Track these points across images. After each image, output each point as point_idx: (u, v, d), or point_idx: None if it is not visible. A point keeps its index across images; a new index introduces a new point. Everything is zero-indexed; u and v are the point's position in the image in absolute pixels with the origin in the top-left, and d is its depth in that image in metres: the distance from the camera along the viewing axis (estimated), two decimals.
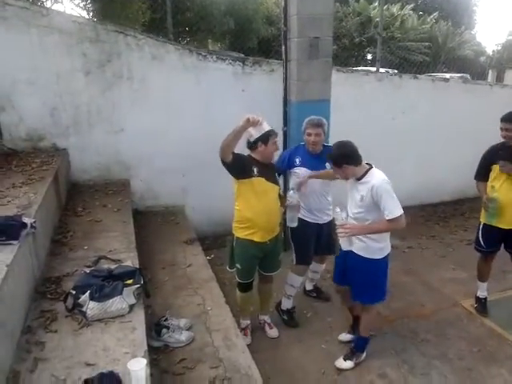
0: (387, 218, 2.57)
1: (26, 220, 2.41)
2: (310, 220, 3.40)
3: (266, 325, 3.45)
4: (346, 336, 3.34)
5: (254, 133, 2.80)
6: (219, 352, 2.51)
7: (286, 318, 3.59)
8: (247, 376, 2.33)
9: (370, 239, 2.73)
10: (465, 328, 3.49)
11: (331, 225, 3.45)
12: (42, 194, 2.97)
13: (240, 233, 3.02)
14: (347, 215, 2.78)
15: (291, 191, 3.16)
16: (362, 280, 2.83)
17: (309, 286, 3.96)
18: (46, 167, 3.61)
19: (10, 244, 2.21)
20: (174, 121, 4.46)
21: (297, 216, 3.23)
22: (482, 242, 3.57)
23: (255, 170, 2.87)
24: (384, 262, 2.82)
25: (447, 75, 10.82)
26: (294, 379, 2.95)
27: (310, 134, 3.28)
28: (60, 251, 2.97)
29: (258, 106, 4.69)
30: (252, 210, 2.93)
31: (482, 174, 3.52)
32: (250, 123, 2.65)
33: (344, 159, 2.64)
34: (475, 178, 3.59)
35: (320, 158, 3.30)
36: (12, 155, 3.95)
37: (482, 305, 3.69)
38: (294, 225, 3.23)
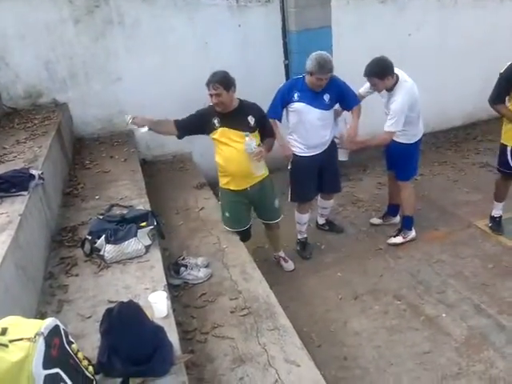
0: (384, 129, 3.16)
1: (33, 172, 2.44)
2: (307, 155, 3.31)
3: (281, 259, 3.51)
4: (376, 220, 3.98)
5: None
6: (237, 285, 2.58)
7: (298, 248, 3.67)
8: (266, 304, 2.40)
9: (408, 128, 3.26)
10: (480, 247, 3.52)
11: (334, 162, 3.44)
12: (46, 148, 2.96)
13: (220, 182, 3.06)
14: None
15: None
16: (399, 161, 3.48)
17: (321, 221, 3.99)
18: (47, 122, 3.57)
19: (21, 195, 2.24)
20: (171, 64, 4.31)
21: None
22: None
23: (216, 121, 2.80)
24: (416, 145, 3.44)
25: None
26: (313, 305, 3.05)
27: (319, 79, 3.04)
28: (72, 202, 3.02)
29: (255, 40, 4.53)
30: (222, 159, 2.91)
31: (503, 96, 3.27)
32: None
33: (388, 71, 3.06)
34: (494, 102, 3.30)
35: (320, 93, 3.15)
36: (13, 114, 3.90)
37: (496, 223, 3.69)
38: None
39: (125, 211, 2.69)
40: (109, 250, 2.28)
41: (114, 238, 2.30)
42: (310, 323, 2.86)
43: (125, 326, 1.39)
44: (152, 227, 2.44)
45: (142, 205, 2.87)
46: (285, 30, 4.23)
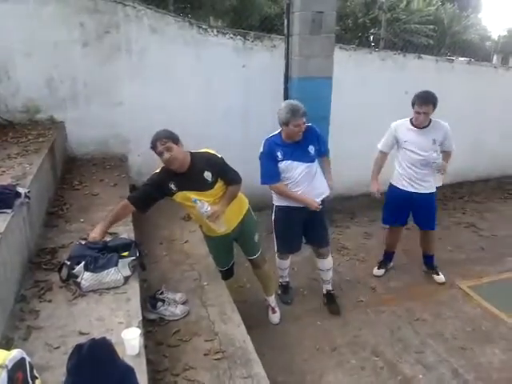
0: (453, 149, 3.59)
1: (20, 190, 2.38)
2: (292, 205, 3.13)
3: (270, 308, 3.38)
4: (378, 271, 3.99)
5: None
6: (214, 326, 2.51)
7: (279, 292, 3.62)
8: (242, 349, 2.33)
9: (434, 177, 3.51)
10: (460, 308, 3.50)
11: (320, 213, 3.18)
12: (36, 166, 2.93)
13: (202, 227, 3.04)
14: None
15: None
16: (433, 210, 3.67)
17: (324, 289, 3.54)
18: (42, 139, 3.56)
19: (4, 213, 2.18)
20: (173, 95, 4.38)
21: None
22: None
23: (173, 185, 2.61)
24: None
25: (452, 59, 10.67)
26: (290, 353, 2.97)
27: (297, 126, 2.88)
28: (56, 223, 2.95)
29: (258, 82, 4.65)
30: (194, 218, 2.92)
31: None
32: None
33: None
34: None
35: (301, 144, 3.00)
36: (8, 127, 3.89)
37: None
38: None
39: (108, 238, 2.64)
40: (86, 278, 2.21)
41: (94, 266, 2.23)
42: (285, 373, 2.77)
43: (94, 365, 1.33)
44: (134, 258, 2.39)
45: (127, 233, 2.82)
46: (287, 76, 4.34)
